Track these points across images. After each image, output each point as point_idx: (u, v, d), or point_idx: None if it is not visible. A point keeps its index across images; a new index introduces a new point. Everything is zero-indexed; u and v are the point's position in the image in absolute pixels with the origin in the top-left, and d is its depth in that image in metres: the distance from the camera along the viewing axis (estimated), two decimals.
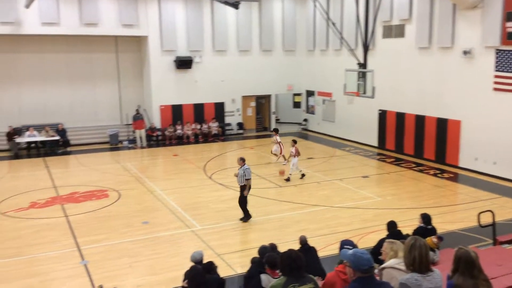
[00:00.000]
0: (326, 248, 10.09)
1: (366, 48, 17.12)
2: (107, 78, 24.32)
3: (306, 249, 7.60)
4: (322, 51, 24.90)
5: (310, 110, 26.79)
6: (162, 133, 23.95)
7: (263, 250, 7.20)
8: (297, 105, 28.06)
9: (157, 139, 23.79)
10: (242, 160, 12.30)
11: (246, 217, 12.30)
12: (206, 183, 16.23)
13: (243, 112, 26.23)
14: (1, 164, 19.62)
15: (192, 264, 7.11)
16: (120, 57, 24.42)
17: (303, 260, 4.73)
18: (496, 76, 15.92)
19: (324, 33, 24.28)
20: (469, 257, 4.26)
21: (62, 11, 21.38)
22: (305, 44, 26.08)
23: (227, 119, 25.67)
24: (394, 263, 5.02)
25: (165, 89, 23.97)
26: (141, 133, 22.95)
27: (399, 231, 8.38)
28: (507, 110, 15.72)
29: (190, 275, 6.61)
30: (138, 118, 22.94)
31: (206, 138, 24.45)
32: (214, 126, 24.79)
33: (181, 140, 23.94)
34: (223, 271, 8.15)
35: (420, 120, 19.23)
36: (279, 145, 18.17)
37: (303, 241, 7.85)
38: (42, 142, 21.76)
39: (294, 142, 16.72)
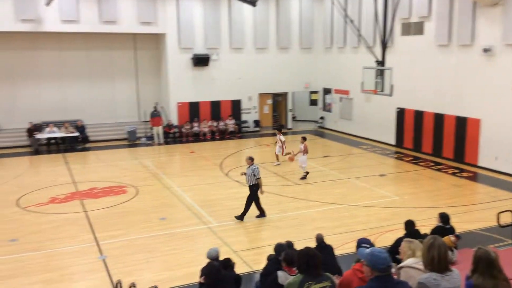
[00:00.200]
0: (342, 246, 10.06)
1: (384, 46, 16.98)
2: (126, 75, 24.57)
3: (323, 247, 7.58)
4: (339, 48, 24.76)
5: (326, 108, 26.67)
6: (179, 130, 24.10)
7: (279, 247, 7.21)
8: (313, 103, 27.97)
9: (174, 136, 23.96)
10: (250, 160, 12.28)
11: (243, 215, 12.23)
12: (222, 180, 16.30)
13: (260, 109, 26.25)
14: (22, 159, 19.98)
15: (208, 260, 7.16)
16: (138, 54, 24.65)
17: (320, 258, 4.73)
18: None
19: (341, 30, 24.14)
20: (489, 257, 4.22)
21: (82, 8, 21.65)
22: (323, 41, 25.97)
23: (244, 117, 25.72)
24: (412, 263, 5.00)
25: (182, 87, 24.11)
26: (158, 130, 23.14)
27: (417, 230, 8.32)
28: None
29: (206, 271, 6.67)
30: (155, 115, 23.13)
31: (222, 135, 24.54)
32: (230, 123, 24.86)
33: (197, 137, 24.07)
34: (239, 268, 8.19)
35: (438, 118, 19.02)
36: (282, 145, 17.96)
37: (320, 239, 7.83)
38: (61, 138, 22.08)
39: (304, 139, 16.53)
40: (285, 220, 12.34)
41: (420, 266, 4.70)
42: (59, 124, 22.33)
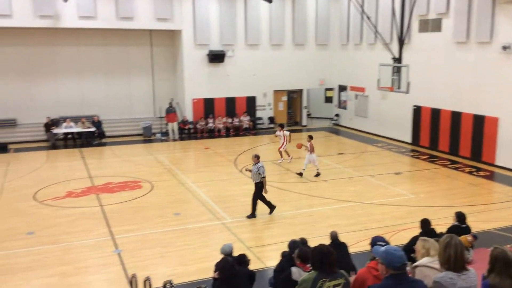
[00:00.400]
0: (357, 244, 10.01)
1: (401, 43, 16.82)
2: (142, 72, 24.74)
3: (337, 245, 7.56)
4: (356, 45, 24.58)
5: (342, 105, 26.53)
6: (194, 126, 24.20)
7: (293, 244, 7.21)
8: (328, 100, 27.83)
9: (189, 132, 24.07)
10: (256, 157, 12.28)
11: (253, 213, 12.19)
12: (237, 177, 16.33)
13: (275, 106, 26.22)
14: (39, 154, 20.25)
15: (222, 256, 7.18)
16: (154, 50, 24.79)
17: (334, 256, 4.72)
18: None
19: (358, 26, 23.96)
20: (506, 257, 4.16)
21: (99, 5, 21.83)
22: (339, 38, 25.80)
23: (258, 113, 25.72)
24: (427, 262, 4.95)
25: (198, 83, 24.18)
26: (173, 126, 23.25)
27: (433, 229, 8.25)
28: None
29: (220, 267, 6.69)
30: (170, 111, 23.24)
31: (237, 131, 24.58)
32: (245, 120, 24.88)
33: (212, 134, 24.14)
34: (252, 264, 8.20)
35: (456, 116, 18.78)
36: (284, 140, 17.82)
37: (334, 237, 7.80)
38: (78, 133, 22.34)
39: (310, 137, 16.39)
40: (299, 217, 12.33)
41: (435, 265, 4.65)
42: (76, 119, 22.59)
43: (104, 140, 22.65)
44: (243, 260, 7.22)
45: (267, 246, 10.53)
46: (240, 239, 10.83)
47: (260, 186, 12.12)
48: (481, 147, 17.79)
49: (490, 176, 16.30)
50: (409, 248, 6.58)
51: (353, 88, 25.32)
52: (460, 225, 8.58)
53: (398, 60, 16.66)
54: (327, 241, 7.59)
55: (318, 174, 16.11)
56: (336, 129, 26.01)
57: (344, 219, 12.14)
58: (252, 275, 7.10)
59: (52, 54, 23.08)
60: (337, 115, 26.92)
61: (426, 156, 19.19)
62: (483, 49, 17.37)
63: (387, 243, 5.72)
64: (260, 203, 12.26)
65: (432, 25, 19.63)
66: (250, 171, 12.38)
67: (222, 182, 15.69)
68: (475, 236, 8.21)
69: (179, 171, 17.10)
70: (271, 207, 12.39)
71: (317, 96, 28.34)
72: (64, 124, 22.17)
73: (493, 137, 17.21)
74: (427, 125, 20.31)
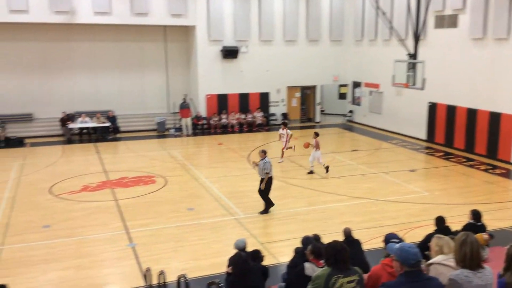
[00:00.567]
0: (370, 241, 9.97)
1: (416, 38, 16.66)
2: (156, 67, 24.87)
3: (350, 242, 7.53)
4: (370, 41, 24.40)
5: (356, 101, 26.38)
6: (207, 121, 24.27)
7: (306, 240, 7.21)
8: (342, 96, 27.70)
9: (202, 128, 24.15)
10: (263, 153, 12.28)
11: (267, 208, 12.18)
12: (250, 172, 16.32)
13: (288, 102, 26.17)
14: (55, 148, 20.50)
15: (236, 251, 7.21)
16: (168, 46, 24.89)
17: (348, 252, 4.70)
18: None
19: (373, 22, 23.77)
20: None
21: (114, 1, 21.96)
22: (353, 34, 25.63)
23: (272, 109, 25.70)
24: (441, 259, 4.91)
25: (211, 79, 24.23)
26: (187, 122, 23.35)
27: (447, 227, 8.18)
28: None
29: (233, 262, 6.72)
30: (184, 107, 23.34)
31: (250, 127, 24.59)
32: (258, 116, 24.88)
33: (225, 129, 24.19)
34: (265, 260, 8.22)
35: (472, 113, 18.57)
36: (286, 138, 17.61)
37: (347, 233, 7.77)
38: (93, 128, 22.55)
39: (316, 134, 16.27)
40: (312, 214, 12.31)
41: (450, 263, 4.62)
42: (91, 114, 22.80)
43: (118, 135, 22.84)
44: (257, 255, 7.24)
45: (280, 242, 10.54)
46: (253, 234, 10.85)
47: (268, 181, 12.11)
48: (497, 144, 17.56)
49: (506, 174, 16.10)
50: (424, 246, 6.54)
51: (367, 85, 25.15)
52: (476, 223, 8.49)
53: (413, 56, 16.51)
54: (340, 237, 7.57)
55: (327, 170, 15.98)
56: (349, 125, 25.89)
57: (357, 216, 12.10)
58: (265, 270, 7.12)
59: (68, 49, 23.31)
60: (351, 111, 26.78)
61: (441, 153, 19.02)
62: (500, 46, 17.12)
63: (401, 240, 5.69)
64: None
65: (448, 21, 19.40)
66: (257, 165, 12.38)
67: (235, 177, 15.73)
68: (491, 235, 8.11)
69: (192, 166, 17.18)
70: (268, 206, 12.23)
71: (330, 92, 28.21)
72: (80, 119, 22.40)
73: (510, 134, 16.99)
74: (442, 122, 20.11)
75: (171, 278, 7.90)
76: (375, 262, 6.02)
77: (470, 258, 4.09)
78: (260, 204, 12.35)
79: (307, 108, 27.28)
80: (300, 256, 6.82)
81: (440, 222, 8.30)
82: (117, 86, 24.27)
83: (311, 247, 6.27)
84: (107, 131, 22.57)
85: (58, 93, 23.35)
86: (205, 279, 8.55)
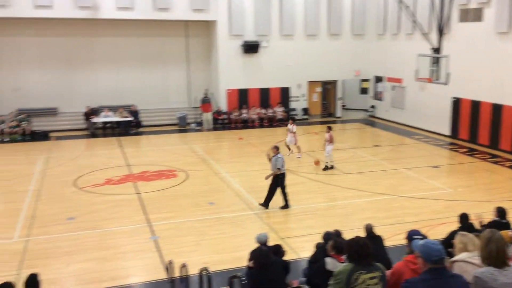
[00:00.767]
0: (392, 238, 9.89)
1: (440, 32, 16.41)
2: (177, 62, 25.02)
3: (372, 238, 7.50)
4: (393, 35, 24.09)
5: (378, 96, 26.11)
6: (228, 116, 24.34)
7: (327, 236, 7.19)
8: (364, 91, 27.44)
9: (223, 123, 24.23)
10: (276, 149, 12.31)
11: (286, 204, 12.20)
12: (270, 167, 16.30)
13: (309, 97, 26.05)
14: (79, 142, 20.85)
15: (258, 245, 7.24)
16: (189, 41, 25.01)
17: (370, 248, 4.68)
18: None
19: (395, 16, 23.45)
20: None
21: None
22: (375, 28, 25.33)
23: (292, 104, 25.61)
24: (466, 257, 4.85)
25: (232, 73, 24.27)
26: (208, 116, 23.46)
27: (472, 224, 8.07)
28: None
29: (255, 256, 6.74)
30: (205, 102, 23.45)
31: (271, 122, 24.57)
32: (279, 111, 24.84)
33: (246, 124, 24.22)
34: (286, 255, 8.23)
35: (497, 109, 18.20)
36: (294, 135, 17.48)
37: (369, 229, 7.74)
38: (116, 122, 22.84)
39: (329, 128, 16.06)
40: (333, 209, 12.28)
41: (475, 260, 4.56)
42: (114, 109, 23.10)
43: (141, 130, 23.09)
44: (279, 250, 7.25)
45: (300, 237, 10.52)
46: (274, 229, 10.87)
47: (280, 177, 12.08)
48: None
49: None
50: (448, 243, 6.46)
51: (390, 79, 24.85)
52: (501, 221, 8.36)
53: (437, 50, 16.27)
54: (361, 233, 7.54)
55: (326, 168, 15.78)
56: (371, 120, 25.65)
57: (379, 212, 12.01)
58: (286, 265, 7.13)
59: (91, 44, 23.62)
60: (372, 106, 26.51)
61: (465, 150, 18.71)
62: None
63: (424, 237, 5.62)
64: (277, 194, 12.18)
65: (473, 15, 19.00)
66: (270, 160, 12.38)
67: (255, 172, 15.72)
68: None
69: (213, 161, 17.28)
70: (267, 201, 12.15)
71: (352, 87, 27.97)
72: (103, 113, 22.71)
73: None
74: (466, 118, 19.77)
75: (193, 271, 7.98)
76: (396, 258, 5.98)
77: (495, 256, 4.03)
78: (280, 199, 12.35)
79: (328, 103, 27.10)
80: (321, 251, 6.81)
81: (464, 219, 8.20)
82: (139, 81, 24.51)
83: (332, 242, 6.25)
84: (130, 125, 22.84)
85: (82, 88, 23.70)
86: (226, 273, 8.60)
